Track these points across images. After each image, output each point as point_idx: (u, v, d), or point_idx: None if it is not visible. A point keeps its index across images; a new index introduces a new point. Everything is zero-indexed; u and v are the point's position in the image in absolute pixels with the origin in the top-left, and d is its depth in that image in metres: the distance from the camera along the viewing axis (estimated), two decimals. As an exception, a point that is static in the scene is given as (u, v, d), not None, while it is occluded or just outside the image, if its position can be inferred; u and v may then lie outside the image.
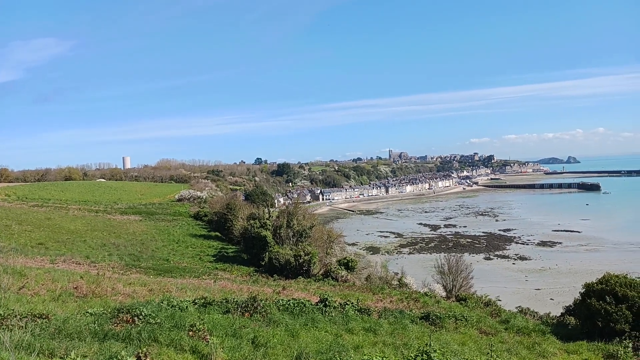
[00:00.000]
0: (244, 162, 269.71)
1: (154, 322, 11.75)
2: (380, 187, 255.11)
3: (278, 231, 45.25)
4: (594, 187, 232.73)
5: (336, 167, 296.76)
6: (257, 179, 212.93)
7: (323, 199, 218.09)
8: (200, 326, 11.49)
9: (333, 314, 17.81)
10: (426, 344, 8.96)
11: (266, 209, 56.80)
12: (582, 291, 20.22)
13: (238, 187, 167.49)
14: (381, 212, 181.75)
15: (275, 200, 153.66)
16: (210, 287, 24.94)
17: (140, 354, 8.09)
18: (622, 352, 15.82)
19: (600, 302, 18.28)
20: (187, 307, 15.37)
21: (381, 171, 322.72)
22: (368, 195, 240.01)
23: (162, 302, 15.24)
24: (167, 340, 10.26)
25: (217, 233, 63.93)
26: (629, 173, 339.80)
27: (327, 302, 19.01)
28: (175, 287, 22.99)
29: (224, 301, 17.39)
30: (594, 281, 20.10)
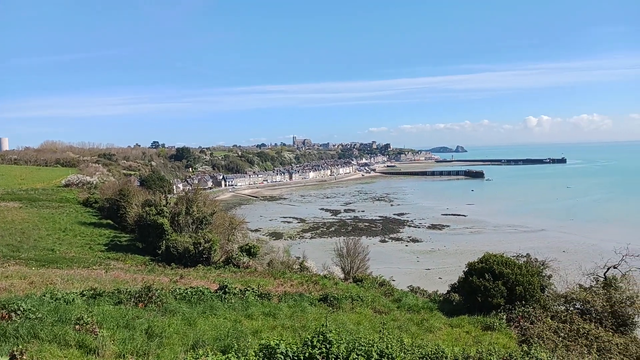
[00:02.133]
0: (140, 146, 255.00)
1: (34, 317, 10.85)
2: (284, 174, 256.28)
3: (176, 218, 43.67)
4: (479, 175, 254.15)
5: (240, 153, 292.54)
6: (153, 163, 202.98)
7: (225, 185, 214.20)
8: (89, 319, 10.80)
9: (233, 301, 17.69)
10: (322, 325, 9.22)
11: (163, 195, 54.55)
12: (465, 270, 21.95)
13: (133, 172, 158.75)
14: (285, 198, 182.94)
15: (174, 186, 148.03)
16: (101, 278, 23.47)
17: (15, 352, 7.39)
18: (498, 323, 17.57)
19: (481, 279, 20.02)
20: (73, 299, 14.39)
21: (285, 157, 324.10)
22: (272, 182, 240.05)
23: (45, 296, 14.12)
24: (49, 336, 9.52)
25: (109, 221, 60.14)
26: (509, 162, 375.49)
27: (226, 289, 18.84)
28: (60, 278, 21.32)
29: (116, 292, 16.54)
30: (476, 260, 21.91)
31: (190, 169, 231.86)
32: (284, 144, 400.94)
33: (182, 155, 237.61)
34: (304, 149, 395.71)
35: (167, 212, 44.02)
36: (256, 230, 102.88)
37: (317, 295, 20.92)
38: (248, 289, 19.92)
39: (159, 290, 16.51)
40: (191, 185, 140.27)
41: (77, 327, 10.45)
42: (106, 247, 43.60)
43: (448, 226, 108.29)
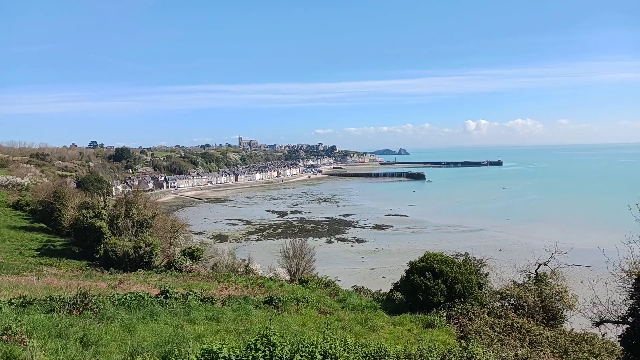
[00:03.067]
0: (76, 146, 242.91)
1: (-45, 329, 10.07)
2: (229, 175, 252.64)
3: (115, 221, 41.96)
4: (420, 176, 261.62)
5: (182, 153, 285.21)
6: (91, 164, 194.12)
7: (168, 187, 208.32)
8: (17, 329, 10.17)
9: (174, 306, 17.23)
10: (266, 328, 9.15)
11: (102, 198, 52.28)
12: (407, 269, 22.53)
13: (68, 174, 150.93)
14: (230, 200, 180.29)
15: (113, 188, 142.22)
16: (32, 285, 22.15)
17: None
18: (438, 320, 18.15)
19: (422, 278, 20.61)
20: (0, 308, 13.52)
21: (231, 158, 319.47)
22: (217, 183, 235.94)
23: (-33, 306, 13.16)
24: (-28, 349, 8.88)
25: (42, 224, 56.88)
26: (448, 164, 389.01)
27: (168, 294, 18.31)
28: (-14, 287, 19.95)
29: (49, 299, 15.66)
30: (417, 260, 22.53)
31: (131, 170, 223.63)
32: (230, 145, 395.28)
33: (121, 156, 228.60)
34: (250, 150, 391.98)
35: (105, 215, 42.21)
36: (200, 233, 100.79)
37: (262, 298, 20.74)
38: (190, 293, 19.46)
39: (95, 297, 15.81)
40: (131, 187, 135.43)
41: (4, 337, 9.83)
42: (38, 252, 41.20)
43: (391, 226, 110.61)
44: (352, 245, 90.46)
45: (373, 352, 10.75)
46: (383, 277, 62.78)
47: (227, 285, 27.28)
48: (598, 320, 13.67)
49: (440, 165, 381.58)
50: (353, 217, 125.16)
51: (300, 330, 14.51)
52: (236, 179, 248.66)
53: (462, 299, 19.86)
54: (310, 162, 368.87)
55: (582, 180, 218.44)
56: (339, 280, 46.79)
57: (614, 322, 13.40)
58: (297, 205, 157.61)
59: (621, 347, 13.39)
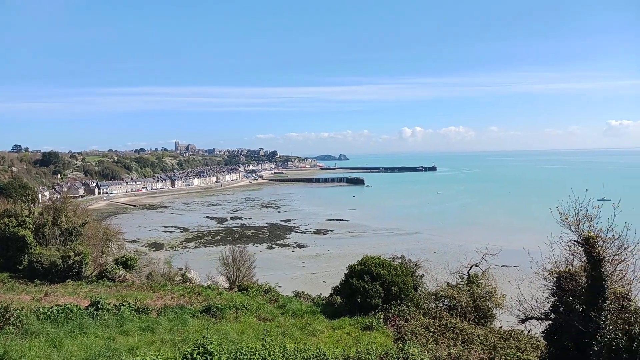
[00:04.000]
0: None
1: None
2: (165, 180, 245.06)
3: (41, 230, 39.44)
4: (360, 182, 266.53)
5: (115, 158, 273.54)
6: (15, 169, 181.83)
7: (100, 193, 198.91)
8: None
9: (106, 317, 16.50)
10: (203, 337, 8.96)
11: (26, 205, 49.04)
12: (346, 273, 22.82)
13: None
14: (166, 207, 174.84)
15: (39, 195, 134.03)
16: (-56, 301, 20.38)
17: None
18: (376, 323, 18.49)
19: (360, 281, 20.94)
20: None
21: (167, 163, 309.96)
22: (152, 189, 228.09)
23: None
24: None
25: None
26: (386, 169, 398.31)
27: (99, 305, 17.49)
28: None
29: (-37, 316, 14.47)
30: (356, 263, 22.87)
31: (59, 175, 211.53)
32: (166, 149, 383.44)
33: (49, 161, 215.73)
34: (187, 154, 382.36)
35: (30, 223, 39.58)
36: (134, 241, 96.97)
37: (199, 307, 20.26)
38: (124, 303, 18.69)
39: (18, 310, 14.81)
40: (60, 193, 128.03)
41: None
42: (-48, 266, 37.93)
43: (332, 231, 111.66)
44: (293, 251, 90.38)
45: (312, 356, 10.80)
46: (323, 281, 63.20)
47: (163, 294, 26.39)
48: (524, 318, 14.48)
49: (378, 171, 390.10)
50: (294, 223, 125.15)
51: (239, 338, 14.32)
52: (173, 185, 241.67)
53: (398, 301, 20.35)
54: (251, 167, 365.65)
55: (510, 184, 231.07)
56: (280, 287, 46.49)
57: (538, 319, 14.24)
58: (237, 211, 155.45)
59: (545, 342, 14.24)
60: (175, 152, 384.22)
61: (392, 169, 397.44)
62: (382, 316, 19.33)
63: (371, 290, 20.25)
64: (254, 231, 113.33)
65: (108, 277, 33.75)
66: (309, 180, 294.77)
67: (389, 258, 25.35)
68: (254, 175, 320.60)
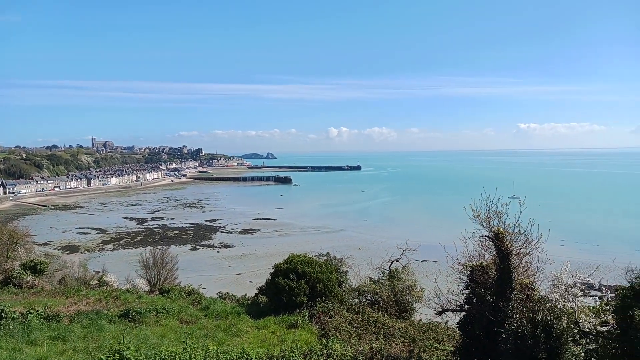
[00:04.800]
0: None
1: None
2: (81, 179, 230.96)
3: None
4: (287, 180, 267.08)
5: (24, 155, 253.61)
6: None
7: (5, 193, 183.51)
8: None
9: (11, 327, 15.27)
10: (120, 343, 8.55)
11: None
12: (272, 272, 22.73)
13: None
14: (82, 207, 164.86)
15: None
16: None
17: None
18: (301, 320, 18.59)
19: (286, 279, 20.94)
20: None
21: (82, 161, 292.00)
22: (66, 188, 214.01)
23: None
24: None
25: None
26: (313, 168, 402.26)
27: (2, 314, 16.12)
28: None
29: None
30: (281, 262, 22.85)
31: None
32: (81, 146, 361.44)
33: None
34: (105, 152, 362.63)
35: None
36: (45, 244, 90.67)
37: (117, 312, 19.30)
38: (32, 311, 17.37)
39: None
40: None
41: None
42: None
43: (259, 230, 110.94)
44: (218, 251, 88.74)
45: (235, 357, 10.67)
46: (250, 281, 62.63)
47: (76, 300, 24.83)
48: (440, 310, 15.16)
49: (306, 170, 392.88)
50: (220, 222, 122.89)
51: (159, 343, 13.83)
52: (89, 184, 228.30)
53: (323, 298, 20.59)
54: (174, 166, 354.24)
55: (429, 183, 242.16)
56: (204, 288, 45.59)
57: (453, 311, 14.97)
58: (158, 211, 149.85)
59: (459, 332, 15.03)
60: (92, 149, 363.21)
61: (319, 168, 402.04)
62: (307, 313, 19.46)
63: (297, 288, 20.32)
64: (176, 232, 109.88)
65: (14, 283, 31.22)
66: (236, 179, 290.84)
67: (315, 256, 25.61)
68: (176, 173, 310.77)
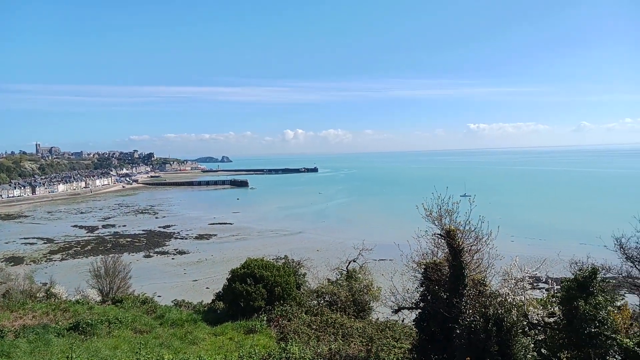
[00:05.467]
0: None
1: None
2: (24, 187, 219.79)
3: None
4: (244, 184, 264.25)
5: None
6: None
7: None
8: None
9: (-52, 346, 14.34)
10: (68, 357, 8.19)
11: None
12: (228, 277, 22.45)
13: None
14: (26, 216, 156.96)
15: None
16: None
17: None
18: (259, 325, 18.46)
19: (243, 284, 20.74)
20: None
21: (26, 168, 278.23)
22: (8, 197, 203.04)
23: None
24: None
25: None
26: (270, 171, 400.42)
27: (-62, 333, 15.15)
28: None
29: None
30: (238, 267, 22.62)
31: None
32: (25, 153, 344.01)
33: None
34: (51, 158, 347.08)
35: None
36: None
37: (66, 324, 18.54)
38: (-28, 328, 16.42)
39: None
40: None
41: None
42: None
43: (215, 235, 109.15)
44: (173, 258, 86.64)
45: (192, 366, 10.46)
46: (207, 287, 61.54)
47: (21, 314, 23.64)
48: (397, 308, 15.43)
49: (262, 173, 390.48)
50: (174, 228, 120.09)
51: (112, 355, 13.37)
52: (33, 192, 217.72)
53: (282, 301, 20.54)
54: (125, 171, 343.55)
55: (384, 183, 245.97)
56: (159, 296, 44.44)
57: (409, 308, 15.28)
58: (109, 218, 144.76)
59: (416, 330, 15.34)
60: (36, 155, 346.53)
61: (276, 171, 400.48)
62: (265, 318, 19.36)
63: (254, 293, 20.17)
64: (129, 239, 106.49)
65: (-48, 299, 29.38)
66: (190, 184, 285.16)
67: (273, 259, 25.54)
68: (128, 179, 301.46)
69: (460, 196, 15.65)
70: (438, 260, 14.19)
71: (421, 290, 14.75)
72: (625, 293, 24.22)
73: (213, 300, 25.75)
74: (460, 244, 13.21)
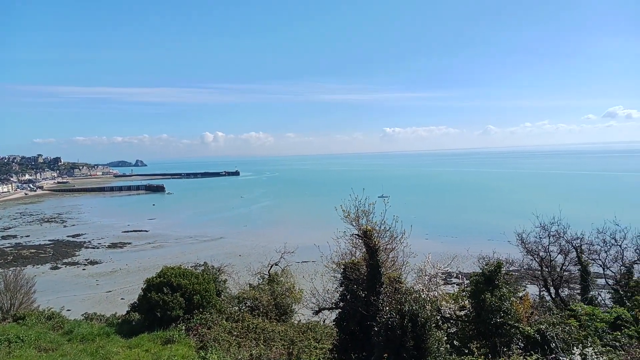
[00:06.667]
0: None
1: None
2: None
3: None
4: (160, 189, 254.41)
5: None
6: None
7: None
8: None
9: None
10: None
11: None
12: (144, 287, 21.44)
13: None
14: None
15: None
16: None
17: None
18: (177, 335, 17.79)
19: (159, 294, 19.89)
20: None
21: None
22: None
23: None
24: None
25: None
26: (188, 175, 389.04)
27: None
28: None
29: None
30: (154, 275, 21.67)
31: None
32: None
33: None
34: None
35: None
36: None
37: (-43, 348, 16.73)
38: None
39: None
40: None
41: None
42: None
43: (130, 243, 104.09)
44: (84, 269, 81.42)
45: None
46: (122, 298, 58.61)
47: None
48: (317, 309, 15.62)
49: (180, 177, 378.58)
50: (85, 237, 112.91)
51: (12, 377, 12.26)
52: None
53: (201, 309, 19.99)
54: (27, 177, 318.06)
55: (306, 186, 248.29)
56: (68, 310, 41.42)
57: (329, 309, 15.52)
58: (10, 228, 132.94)
59: (336, 329, 15.60)
60: None
61: (195, 175, 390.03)
62: (184, 327, 18.74)
63: (171, 302, 19.45)
64: (33, 250, 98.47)
65: None
66: (102, 190, 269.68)
67: (192, 266, 24.89)
68: (31, 186, 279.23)
69: (378, 197, 16.19)
70: (356, 260, 14.55)
71: (341, 290, 15.03)
72: (526, 284, 26.34)
73: (128, 312, 24.48)
74: (377, 243, 13.64)
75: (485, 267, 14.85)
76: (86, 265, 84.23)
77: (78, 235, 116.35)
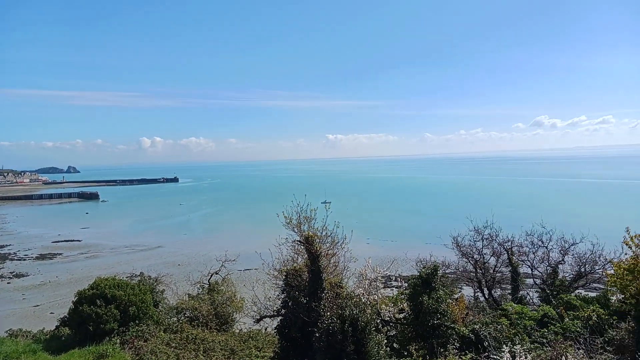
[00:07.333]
0: None
1: None
2: None
3: None
4: (94, 196, 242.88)
5: None
6: None
7: None
8: None
9: None
10: None
11: None
12: (75, 299, 20.33)
13: None
14: None
15: None
16: None
17: None
18: (111, 349, 16.96)
19: (92, 306, 18.91)
20: None
21: None
22: None
23: None
24: None
25: None
26: (124, 182, 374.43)
27: None
28: None
29: None
30: (87, 287, 20.60)
31: None
32: None
33: None
34: None
35: None
36: None
37: None
38: None
39: None
40: None
41: None
42: None
43: (60, 254, 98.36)
44: (9, 282, 75.93)
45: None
46: (51, 312, 55.25)
47: None
48: (258, 317, 15.43)
49: (115, 184, 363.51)
50: (9, 249, 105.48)
51: None
52: None
53: (137, 321, 19.21)
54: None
55: (248, 192, 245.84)
56: (-10, 328, 38.60)
57: (270, 317, 15.39)
58: None
59: (278, 337, 15.48)
60: None
61: (131, 182, 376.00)
62: (118, 340, 17.91)
63: (105, 315, 18.55)
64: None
65: None
66: (29, 198, 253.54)
67: (127, 277, 23.88)
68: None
69: (321, 203, 16.30)
70: (298, 267, 14.54)
71: (282, 297, 14.95)
72: (462, 286, 27.39)
73: (57, 327, 23.09)
74: (318, 249, 13.70)
75: (422, 270, 15.28)
76: (11, 278, 78.62)
77: (2, 246, 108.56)
